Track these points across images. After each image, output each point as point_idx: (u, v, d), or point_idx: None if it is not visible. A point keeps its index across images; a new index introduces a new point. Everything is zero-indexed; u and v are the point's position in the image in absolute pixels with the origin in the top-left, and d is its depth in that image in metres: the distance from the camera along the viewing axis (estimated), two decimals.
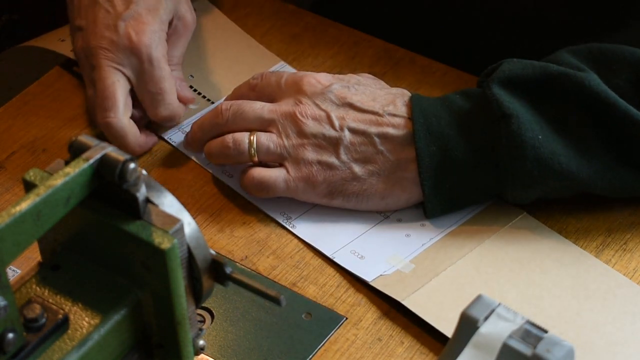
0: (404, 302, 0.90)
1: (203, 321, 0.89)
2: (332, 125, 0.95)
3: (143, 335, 0.73)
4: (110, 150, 0.68)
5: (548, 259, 0.93)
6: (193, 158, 1.03)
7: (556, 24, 1.09)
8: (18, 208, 0.64)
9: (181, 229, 0.70)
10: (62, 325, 0.69)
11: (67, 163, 0.70)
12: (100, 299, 0.71)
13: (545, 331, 0.73)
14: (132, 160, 0.68)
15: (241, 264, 0.94)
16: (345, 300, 0.91)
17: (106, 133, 1.00)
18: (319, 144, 0.95)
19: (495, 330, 0.73)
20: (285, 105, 0.97)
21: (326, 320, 0.89)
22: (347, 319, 0.90)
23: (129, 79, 1.00)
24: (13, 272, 0.92)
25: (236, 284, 0.74)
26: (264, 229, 0.96)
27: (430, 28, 1.17)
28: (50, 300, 0.70)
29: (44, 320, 0.68)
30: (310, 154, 0.95)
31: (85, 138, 0.70)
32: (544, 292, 0.91)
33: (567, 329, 0.87)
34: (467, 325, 0.73)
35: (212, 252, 0.73)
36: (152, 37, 1.00)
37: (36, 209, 0.65)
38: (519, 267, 0.93)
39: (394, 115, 0.96)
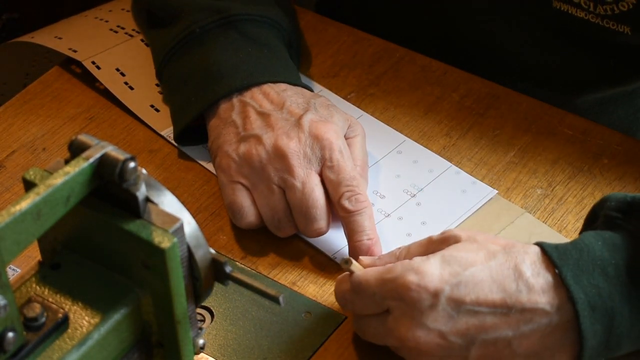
0: None
1: (203, 320, 0.89)
2: (453, 347, 0.80)
3: (143, 334, 0.73)
4: (110, 150, 0.68)
5: None
6: (193, 157, 1.03)
7: (559, 25, 1.09)
8: (18, 207, 0.64)
9: (181, 228, 0.70)
10: (62, 324, 0.69)
11: (67, 162, 0.70)
12: (100, 298, 0.71)
13: None
14: (132, 159, 0.68)
15: (241, 263, 0.94)
16: None
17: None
18: None
19: None
20: (397, 329, 0.82)
21: (326, 319, 0.89)
22: (347, 317, 0.90)
23: (319, 176, 0.93)
24: (13, 271, 0.92)
25: (236, 283, 0.74)
26: (264, 227, 0.96)
27: (431, 27, 1.17)
28: (50, 300, 0.70)
29: (44, 319, 0.68)
30: None
31: (85, 137, 0.70)
32: None
33: None
34: None
35: (212, 251, 0.73)
36: (337, 130, 0.95)
37: (36, 208, 0.65)
38: None
39: (530, 300, 0.80)
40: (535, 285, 0.80)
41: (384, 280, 0.82)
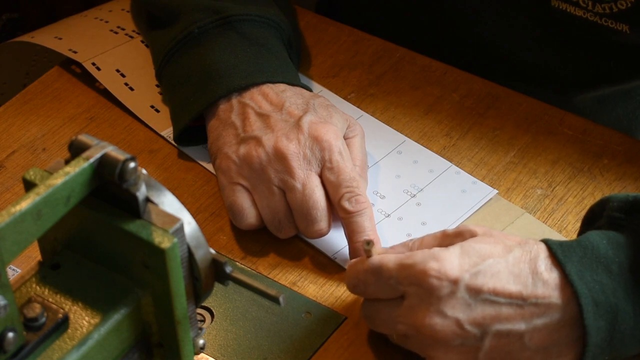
0: None
1: (203, 320, 0.89)
2: (468, 336, 0.81)
3: (143, 334, 0.73)
4: (110, 150, 0.68)
5: None
6: (193, 157, 1.03)
7: (558, 24, 1.09)
8: (18, 207, 0.64)
9: (181, 228, 0.70)
10: (62, 324, 0.69)
11: (67, 162, 0.70)
12: (100, 298, 0.71)
13: None
14: (132, 159, 0.68)
15: (241, 263, 0.94)
16: (345, 299, 0.91)
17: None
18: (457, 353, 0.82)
19: None
20: (412, 316, 0.82)
21: (326, 320, 0.89)
22: (347, 318, 0.90)
23: (319, 177, 0.94)
24: (13, 271, 0.92)
25: (236, 283, 0.74)
26: (265, 228, 0.96)
27: (430, 27, 1.17)
28: (50, 300, 0.70)
29: (44, 319, 0.68)
30: None
31: (85, 137, 0.70)
32: None
33: None
34: None
35: (212, 251, 0.74)
36: (337, 131, 0.95)
37: (36, 208, 0.65)
38: None
39: (544, 294, 0.80)
40: (549, 279, 0.80)
41: (403, 266, 0.82)
